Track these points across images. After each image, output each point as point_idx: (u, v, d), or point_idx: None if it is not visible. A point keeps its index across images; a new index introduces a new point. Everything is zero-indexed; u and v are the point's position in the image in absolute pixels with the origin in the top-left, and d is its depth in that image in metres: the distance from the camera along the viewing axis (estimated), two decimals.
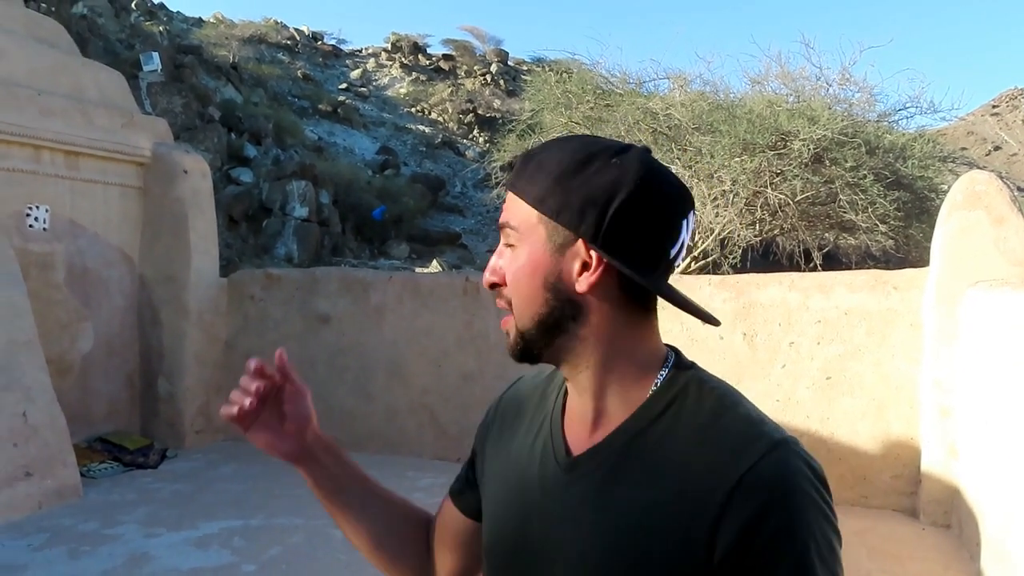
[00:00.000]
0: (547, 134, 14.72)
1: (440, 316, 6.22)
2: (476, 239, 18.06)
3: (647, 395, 0.89)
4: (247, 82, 19.73)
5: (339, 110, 22.52)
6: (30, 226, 5.74)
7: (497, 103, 26.62)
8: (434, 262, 13.80)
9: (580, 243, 0.86)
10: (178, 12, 24.82)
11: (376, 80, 27.92)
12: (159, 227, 6.60)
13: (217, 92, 16.50)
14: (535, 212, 0.88)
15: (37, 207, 5.80)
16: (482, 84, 28.58)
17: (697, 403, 0.87)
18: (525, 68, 26.66)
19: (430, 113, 25.96)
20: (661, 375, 0.90)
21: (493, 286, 0.94)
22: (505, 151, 15.36)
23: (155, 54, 13.88)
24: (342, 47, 30.11)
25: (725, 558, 0.79)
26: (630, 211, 0.85)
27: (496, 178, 15.69)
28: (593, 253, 0.86)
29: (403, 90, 27.16)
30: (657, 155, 10.30)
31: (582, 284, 0.87)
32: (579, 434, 0.93)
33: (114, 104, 6.56)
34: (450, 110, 26.05)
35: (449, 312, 6.20)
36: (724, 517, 0.79)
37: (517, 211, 0.90)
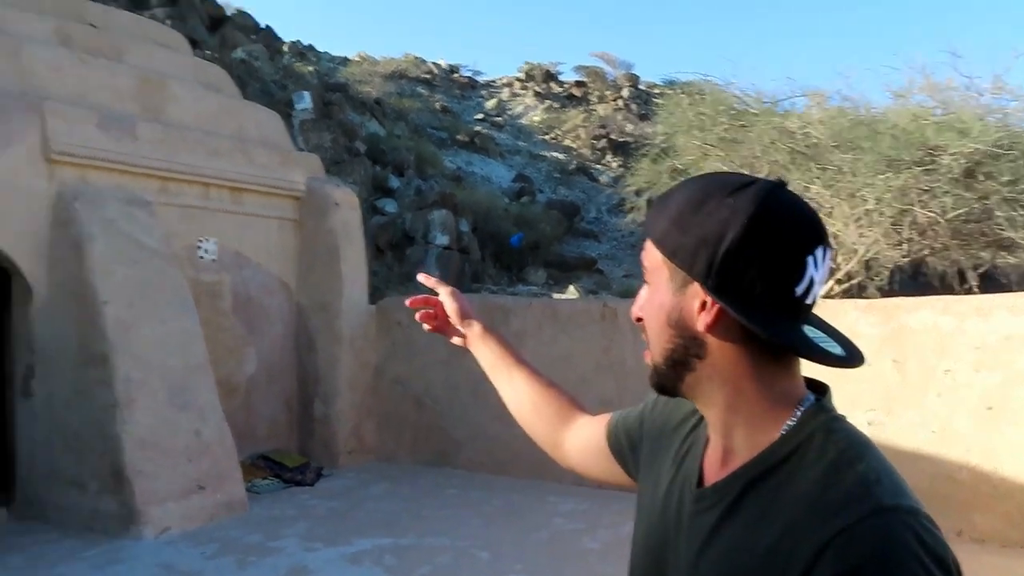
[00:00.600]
0: (680, 157, 14.48)
1: (578, 342, 6.20)
2: (612, 264, 17.95)
3: (773, 439, 0.88)
4: (390, 116, 20.67)
5: (476, 140, 23.15)
6: (200, 257, 6.22)
7: (630, 127, 26.50)
8: (571, 288, 13.82)
9: (696, 283, 0.87)
10: (325, 52, 26.44)
11: (510, 109, 28.51)
12: (313, 257, 6.98)
13: (362, 127, 17.39)
14: (660, 253, 0.91)
15: (207, 240, 6.27)
16: (614, 109, 28.56)
17: (819, 455, 0.85)
18: (657, 91, 26.38)
19: (564, 140, 26.19)
20: (792, 419, 0.88)
21: (638, 320, 0.97)
22: (639, 175, 15.20)
23: (306, 93, 14.83)
24: (477, 78, 31.00)
25: None
26: (741, 251, 0.84)
27: (630, 203, 15.56)
28: (709, 296, 0.86)
29: (537, 118, 27.58)
30: (794, 175, 9.77)
31: (700, 324, 0.87)
32: (712, 467, 0.95)
33: (272, 142, 7.03)
34: (583, 136, 26.17)
35: (587, 338, 6.17)
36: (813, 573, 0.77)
37: (648, 250, 0.93)
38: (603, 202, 20.43)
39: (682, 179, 0.96)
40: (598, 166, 24.79)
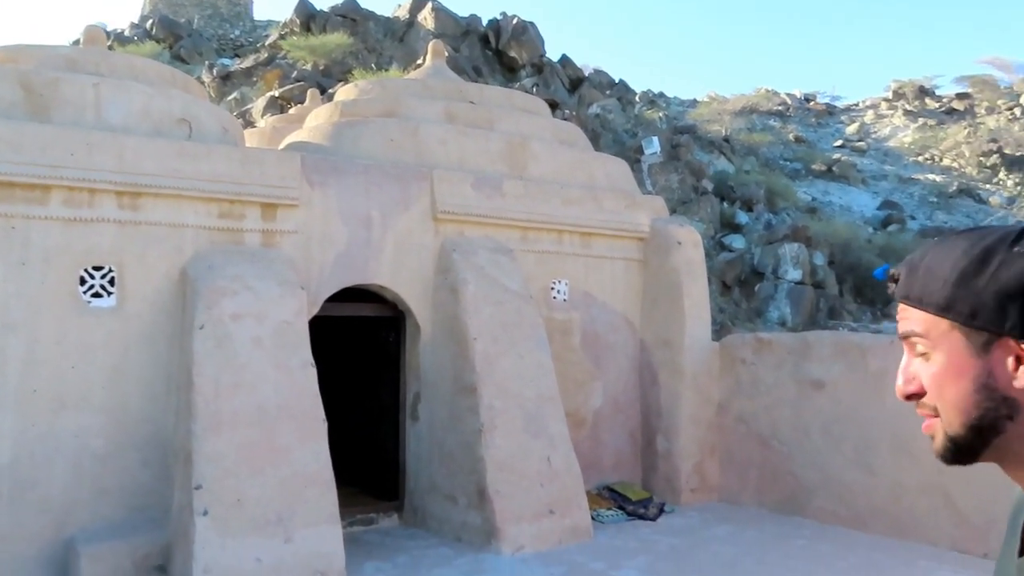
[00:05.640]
0: None
1: None
2: None
3: None
4: (739, 152, 20.36)
5: (834, 168, 21.71)
6: (554, 298, 6.75)
7: None
8: None
9: (1008, 340, 0.83)
10: (675, 97, 27.01)
11: (875, 132, 26.22)
12: (656, 295, 7.16)
13: (710, 165, 17.39)
14: (944, 320, 0.87)
15: (560, 281, 6.80)
16: (1008, 120, 24.68)
17: None
18: None
19: (941, 160, 23.33)
20: None
21: (910, 396, 0.92)
22: None
23: (655, 139, 15.29)
24: (836, 103, 29.13)
25: None
26: None
27: None
28: None
29: (907, 139, 24.98)
30: None
31: (1022, 380, 0.83)
32: None
33: (619, 188, 7.41)
34: (967, 153, 23.04)
35: None
36: None
37: (919, 320, 0.90)
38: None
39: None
40: (988, 186, 21.57)
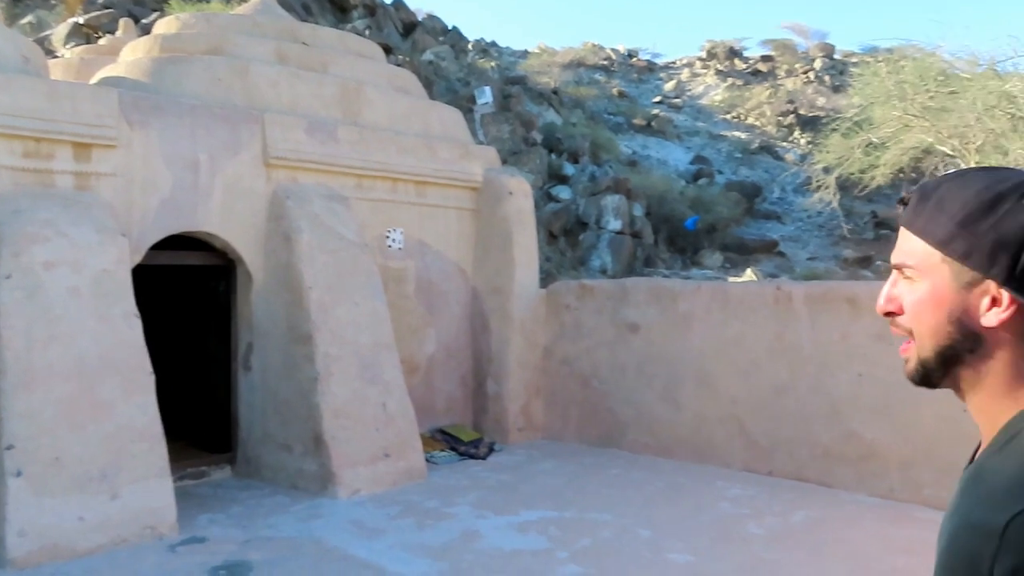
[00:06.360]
0: (877, 130, 13.59)
1: (749, 326, 6.14)
2: (796, 246, 17.18)
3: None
4: (566, 104, 20.98)
5: (653, 123, 22.92)
6: (388, 246, 6.82)
7: (821, 101, 25.06)
8: (748, 271, 13.45)
9: (990, 283, 0.90)
10: (507, 47, 27.24)
11: (690, 90, 27.89)
12: (488, 244, 7.41)
13: (540, 116, 17.83)
14: (938, 252, 0.92)
15: (394, 230, 6.86)
16: (804, 83, 27.10)
17: None
18: (854, 61, 24.70)
19: (746, 118, 25.27)
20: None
21: (888, 314, 1.00)
22: (828, 152, 14.45)
23: (488, 89, 15.44)
24: (656, 61, 30.59)
25: None
26: None
27: (818, 181, 14.82)
28: (1005, 293, 0.89)
29: (718, 97, 26.80)
30: (1016, 144, 8.89)
31: (990, 320, 0.90)
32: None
33: (454, 137, 7.52)
34: (768, 113, 25.11)
35: (759, 322, 6.09)
36: (998, 558, 0.79)
37: (915, 248, 0.95)
38: (788, 181, 19.54)
39: (953, 174, 0.97)
40: (784, 144, 23.69)
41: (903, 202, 0.99)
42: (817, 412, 5.72)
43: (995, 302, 0.89)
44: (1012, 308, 0.89)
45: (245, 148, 5.84)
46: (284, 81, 6.37)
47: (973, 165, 11.57)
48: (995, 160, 11.56)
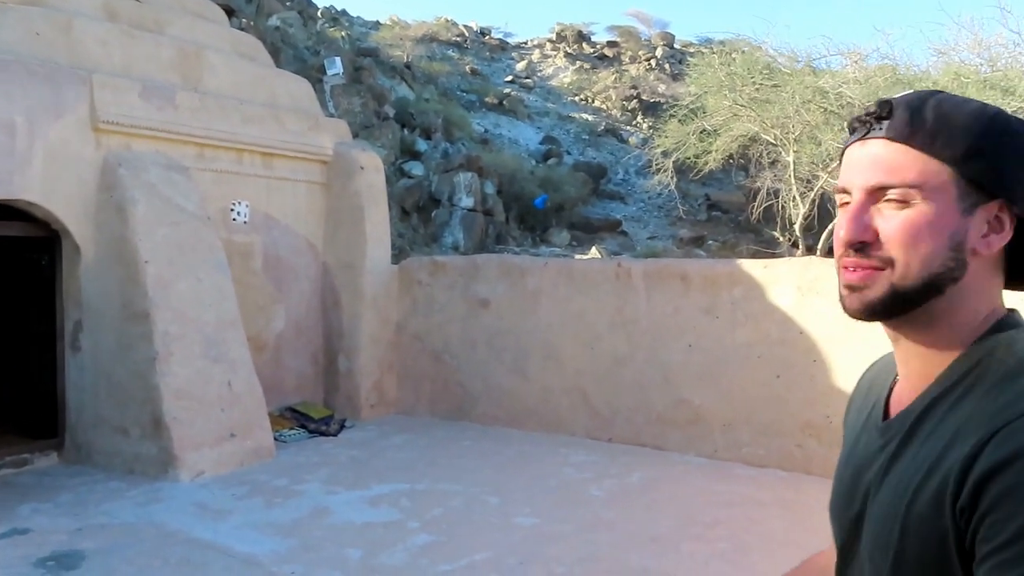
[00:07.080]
0: (710, 118, 14.48)
1: (592, 301, 6.44)
2: (637, 226, 18.07)
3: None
4: (419, 80, 20.83)
5: (504, 102, 23.20)
6: (233, 219, 6.57)
7: (662, 88, 26.30)
8: (593, 249, 14.02)
9: (993, 204, 0.84)
10: (358, 17, 26.54)
11: (541, 71, 28.41)
12: (339, 219, 7.30)
13: (392, 91, 17.61)
14: (947, 169, 0.84)
15: (239, 203, 6.62)
16: (646, 69, 28.30)
17: (999, 365, 0.83)
18: (692, 51, 26.10)
19: (593, 101, 26.09)
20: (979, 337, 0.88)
21: (861, 245, 0.87)
22: (666, 137, 15.24)
23: (337, 59, 15.06)
24: (508, 40, 30.87)
25: (962, 509, 0.76)
26: None
27: (657, 164, 15.61)
28: (1006, 217, 0.85)
29: (567, 79, 27.47)
30: (827, 135, 9.86)
31: (991, 245, 0.85)
32: (900, 401, 0.93)
33: (302, 109, 7.32)
34: (613, 97, 26.04)
35: (601, 297, 6.41)
36: (971, 470, 0.76)
37: (913, 166, 0.85)
38: (631, 164, 20.44)
39: (941, 93, 0.89)
40: (628, 127, 24.70)
41: (868, 117, 0.88)
42: (652, 381, 6.12)
43: (992, 228, 0.85)
44: (1011, 235, 0.86)
45: (70, 111, 5.42)
46: (115, 40, 5.95)
47: (792, 154, 12.67)
48: (810, 150, 12.67)
